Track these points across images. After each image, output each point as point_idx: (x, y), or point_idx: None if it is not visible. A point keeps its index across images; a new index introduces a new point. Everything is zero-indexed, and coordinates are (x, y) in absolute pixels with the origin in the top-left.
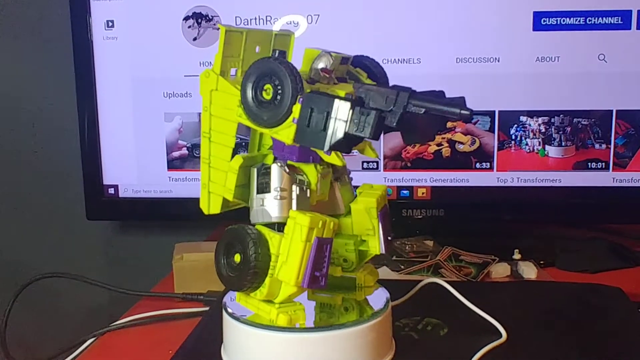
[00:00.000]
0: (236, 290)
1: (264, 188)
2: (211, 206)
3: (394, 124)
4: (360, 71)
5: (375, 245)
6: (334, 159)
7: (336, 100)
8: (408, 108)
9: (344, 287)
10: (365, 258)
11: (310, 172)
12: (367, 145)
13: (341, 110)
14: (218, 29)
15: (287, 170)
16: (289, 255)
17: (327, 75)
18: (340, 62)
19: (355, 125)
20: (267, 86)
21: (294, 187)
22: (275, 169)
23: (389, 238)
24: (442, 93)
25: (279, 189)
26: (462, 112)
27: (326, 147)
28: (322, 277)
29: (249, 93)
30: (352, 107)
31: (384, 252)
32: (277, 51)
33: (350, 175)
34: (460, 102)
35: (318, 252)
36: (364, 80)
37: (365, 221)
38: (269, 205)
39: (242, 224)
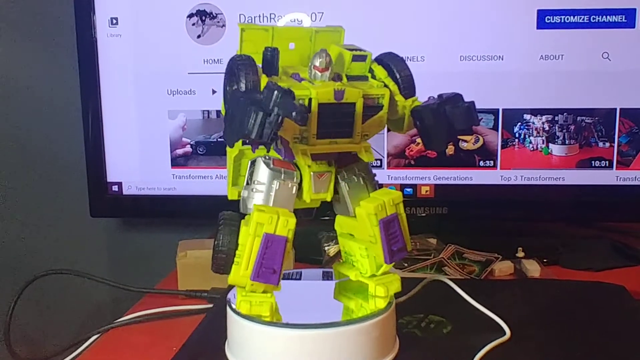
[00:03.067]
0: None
1: (249, 180)
2: (232, 193)
3: (272, 126)
4: (382, 69)
5: (379, 255)
6: (300, 159)
7: (240, 100)
8: (277, 111)
9: (363, 292)
10: (382, 266)
11: (304, 170)
12: (363, 149)
13: (241, 110)
14: (222, 26)
15: (272, 165)
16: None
17: (320, 73)
18: (352, 59)
19: (248, 125)
20: (232, 83)
21: (275, 182)
22: (258, 162)
23: (394, 249)
24: (459, 96)
25: (256, 182)
26: (294, 114)
27: (231, 145)
28: (271, 273)
29: (225, 89)
30: (247, 107)
31: (387, 262)
32: (268, 49)
33: (376, 178)
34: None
35: (265, 247)
36: (383, 79)
37: (367, 227)
38: (249, 197)
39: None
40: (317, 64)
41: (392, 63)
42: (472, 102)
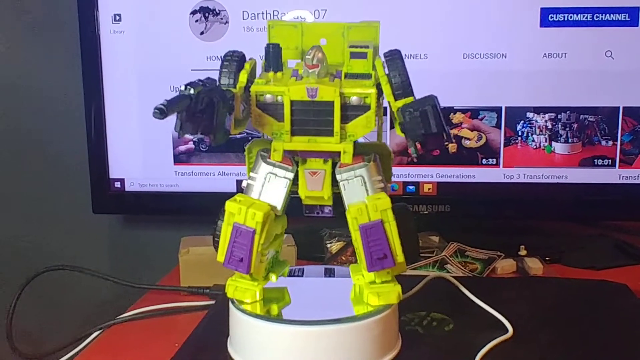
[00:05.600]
0: None
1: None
2: None
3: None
4: (381, 68)
5: (362, 260)
6: (272, 154)
7: None
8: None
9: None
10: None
11: (300, 166)
12: (342, 150)
13: None
14: (226, 22)
15: (268, 158)
16: None
17: (309, 69)
18: (350, 56)
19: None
20: None
21: (267, 175)
22: (257, 155)
23: (375, 257)
24: (428, 99)
25: (253, 174)
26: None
27: (180, 135)
28: (239, 261)
29: None
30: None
31: (368, 270)
32: (270, 45)
33: (380, 184)
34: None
35: (235, 236)
36: (380, 78)
37: (352, 231)
38: (247, 188)
39: None
40: (306, 60)
41: (387, 61)
42: (430, 107)
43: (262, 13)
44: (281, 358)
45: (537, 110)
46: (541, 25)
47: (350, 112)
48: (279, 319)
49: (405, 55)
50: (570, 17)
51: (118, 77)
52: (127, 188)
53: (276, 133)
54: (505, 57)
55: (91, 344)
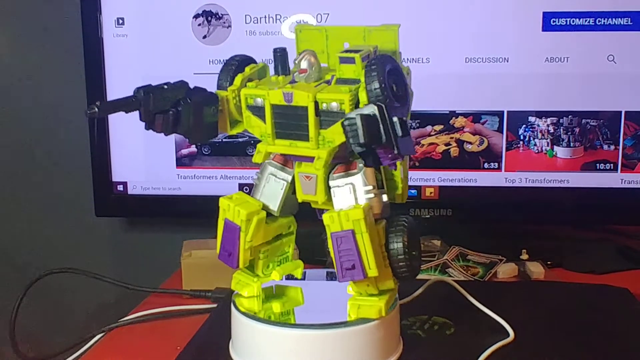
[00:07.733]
0: None
1: None
2: None
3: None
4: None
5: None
6: (255, 158)
7: None
8: None
9: None
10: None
11: (295, 170)
12: (317, 154)
13: None
14: (228, 26)
15: (270, 160)
16: None
17: (301, 75)
18: (340, 61)
19: None
20: None
21: (268, 176)
22: None
23: (344, 267)
24: (376, 106)
25: (257, 174)
26: (88, 112)
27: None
28: (227, 256)
29: None
30: None
31: (339, 279)
32: (277, 49)
33: (370, 194)
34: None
35: (225, 232)
36: (361, 82)
37: (328, 240)
38: (253, 187)
39: None
40: (295, 65)
41: (365, 67)
42: (359, 117)
43: (265, 17)
44: None
45: (539, 114)
46: (543, 30)
47: (327, 117)
48: (280, 322)
49: (407, 59)
50: (573, 21)
51: (121, 80)
52: (130, 191)
53: (263, 135)
54: (507, 61)
55: (93, 347)
